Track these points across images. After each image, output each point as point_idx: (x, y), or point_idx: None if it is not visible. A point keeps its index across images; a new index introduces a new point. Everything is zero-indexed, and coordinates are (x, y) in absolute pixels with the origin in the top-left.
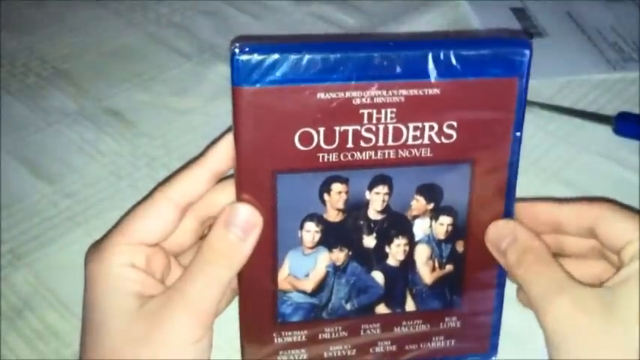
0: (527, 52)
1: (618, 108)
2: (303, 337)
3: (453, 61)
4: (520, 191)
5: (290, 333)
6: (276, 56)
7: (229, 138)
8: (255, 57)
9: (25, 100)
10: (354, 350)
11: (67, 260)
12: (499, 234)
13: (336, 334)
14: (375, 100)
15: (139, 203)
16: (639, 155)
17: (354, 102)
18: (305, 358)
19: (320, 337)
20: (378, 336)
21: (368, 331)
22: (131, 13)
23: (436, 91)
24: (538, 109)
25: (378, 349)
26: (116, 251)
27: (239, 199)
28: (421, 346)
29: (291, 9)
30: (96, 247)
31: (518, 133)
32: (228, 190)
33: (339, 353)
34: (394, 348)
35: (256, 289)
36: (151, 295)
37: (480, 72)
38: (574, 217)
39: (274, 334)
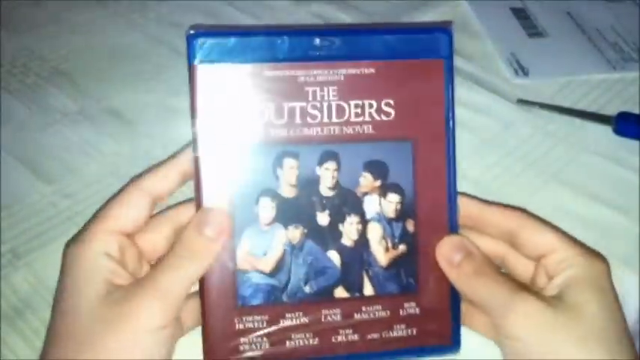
0: (447, 35)
1: (618, 108)
2: (264, 322)
3: (385, 43)
4: (520, 191)
5: (251, 318)
6: (229, 38)
7: None
8: (211, 38)
9: (25, 100)
10: (317, 339)
11: None
12: (452, 248)
13: (297, 320)
14: (317, 79)
15: (114, 195)
16: (639, 155)
17: (298, 80)
18: (267, 346)
19: (281, 323)
20: (339, 323)
21: (329, 317)
22: (131, 13)
23: (372, 70)
24: (538, 109)
25: (340, 338)
26: (92, 239)
27: (197, 172)
28: (383, 335)
29: (291, 9)
30: (75, 236)
31: (450, 113)
32: None
33: (301, 342)
34: (356, 337)
35: (216, 269)
36: (122, 285)
37: (409, 54)
38: (496, 218)
39: (235, 319)
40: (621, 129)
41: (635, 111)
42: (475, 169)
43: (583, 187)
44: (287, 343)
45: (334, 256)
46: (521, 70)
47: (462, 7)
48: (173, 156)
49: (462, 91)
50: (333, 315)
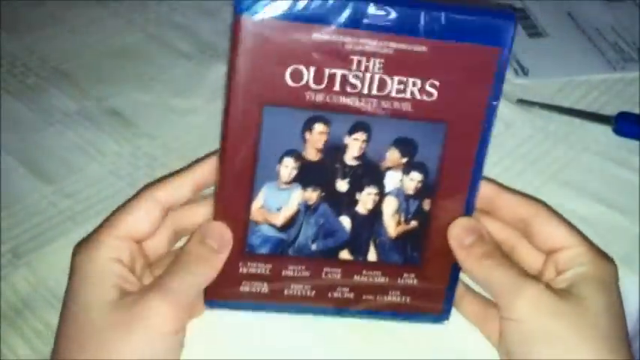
0: (511, 24)
1: (618, 108)
2: (267, 270)
3: (443, 22)
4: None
5: (255, 265)
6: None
7: (215, 157)
8: None
9: (25, 100)
10: (313, 292)
11: (67, 260)
12: (464, 230)
13: (299, 273)
14: (365, 48)
15: (126, 202)
16: (639, 155)
17: (345, 47)
18: (266, 291)
19: (283, 273)
20: (337, 281)
21: (329, 275)
22: (131, 13)
23: (423, 48)
24: (538, 109)
25: (335, 294)
26: (104, 245)
27: (225, 123)
28: (377, 298)
29: None
30: (84, 240)
31: (494, 102)
32: (206, 205)
33: (298, 292)
34: (351, 295)
35: (229, 216)
36: (131, 291)
37: (466, 37)
38: (513, 204)
39: (240, 264)
40: (621, 129)
41: (635, 111)
42: None
43: (583, 187)
44: (285, 291)
45: (346, 221)
46: (521, 70)
47: None
48: (189, 166)
49: None
50: (334, 273)
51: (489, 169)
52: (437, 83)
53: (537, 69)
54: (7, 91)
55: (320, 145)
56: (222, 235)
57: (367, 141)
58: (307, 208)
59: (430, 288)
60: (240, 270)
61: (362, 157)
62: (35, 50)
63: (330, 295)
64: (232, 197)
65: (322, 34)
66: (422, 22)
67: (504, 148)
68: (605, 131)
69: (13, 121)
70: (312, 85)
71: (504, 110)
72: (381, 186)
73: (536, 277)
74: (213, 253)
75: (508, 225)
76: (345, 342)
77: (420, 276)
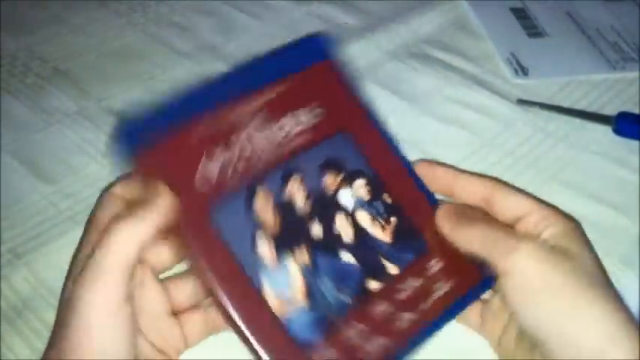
0: (320, 40)
1: (618, 108)
2: (331, 346)
3: (272, 66)
4: None
5: (318, 354)
6: (151, 113)
7: None
8: (134, 125)
9: (25, 100)
10: (381, 337)
11: (67, 260)
12: (447, 215)
13: (356, 329)
14: (245, 111)
15: None
16: (639, 155)
17: (229, 120)
18: None
19: (344, 341)
20: (391, 311)
21: (379, 310)
22: (131, 13)
23: (274, 93)
24: (538, 109)
25: (401, 324)
26: None
27: (193, 267)
28: (432, 300)
29: (291, 9)
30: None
31: (363, 102)
32: None
33: (370, 347)
34: (413, 315)
35: (264, 336)
36: None
37: (299, 66)
38: (471, 184)
39: None
40: (621, 129)
41: (635, 111)
42: (475, 169)
43: (583, 187)
44: (358, 354)
45: (347, 257)
46: (521, 70)
47: (462, 7)
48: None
49: (462, 91)
50: (382, 306)
51: (489, 169)
52: (315, 108)
53: (537, 69)
54: (7, 91)
55: (270, 210)
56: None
57: (303, 180)
58: (308, 270)
59: (455, 259)
60: None
61: (309, 197)
62: (35, 50)
63: (397, 328)
64: (248, 306)
65: (203, 124)
66: (259, 74)
67: (504, 148)
68: (605, 131)
69: (13, 121)
70: (228, 168)
71: (504, 110)
72: (343, 208)
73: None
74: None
75: (472, 204)
76: None
77: (438, 256)
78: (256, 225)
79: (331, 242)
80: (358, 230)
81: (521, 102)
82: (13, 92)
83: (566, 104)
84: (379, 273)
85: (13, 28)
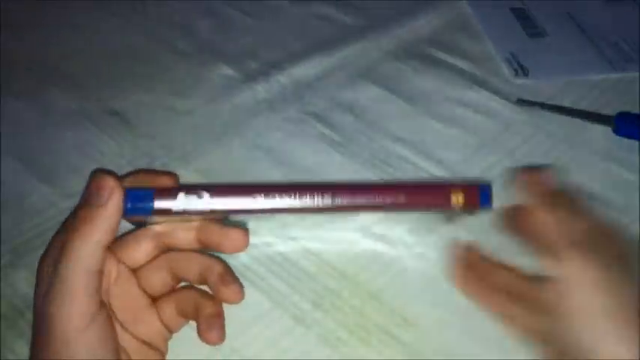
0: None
1: (618, 108)
2: None
3: None
4: None
5: None
6: None
7: None
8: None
9: (25, 100)
10: None
11: None
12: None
13: None
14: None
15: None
16: (639, 155)
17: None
18: None
19: None
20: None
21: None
22: (131, 13)
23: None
24: (538, 109)
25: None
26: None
27: None
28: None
29: (291, 9)
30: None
31: None
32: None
33: None
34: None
35: None
36: None
37: None
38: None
39: None
40: (621, 129)
41: (635, 111)
42: (475, 169)
43: (583, 187)
44: None
45: None
46: (521, 70)
47: (462, 7)
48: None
49: (462, 91)
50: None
51: (490, 169)
52: None
53: (537, 69)
54: (7, 91)
55: None
56: (100, 184)
57: None
58: None
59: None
60: None
61: None
62: (35, 50)
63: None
64: None
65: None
66: None
67: (504, 148)
68: (605, 131)
69: (13, 121)
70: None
71: (504, 110)
72: None
73: None
74: (99, 208)
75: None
76: (345, 342)
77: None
78: None
79: None
80: None
81: (521, 102)
82: (13, 92)
83: (566, 104)
84: None
85: (13, 28)
